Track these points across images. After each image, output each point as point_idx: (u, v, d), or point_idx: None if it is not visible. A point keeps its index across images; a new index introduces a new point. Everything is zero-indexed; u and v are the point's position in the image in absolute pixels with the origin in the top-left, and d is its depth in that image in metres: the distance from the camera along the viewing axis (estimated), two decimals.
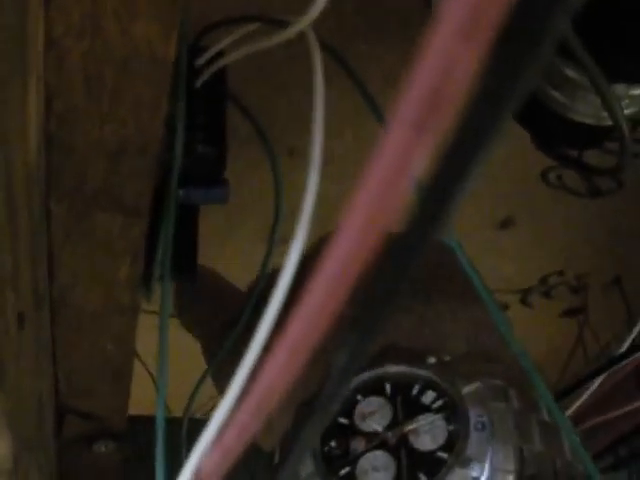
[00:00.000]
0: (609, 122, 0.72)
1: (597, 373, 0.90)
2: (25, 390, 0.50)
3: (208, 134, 0.50)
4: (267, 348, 0.29)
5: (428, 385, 0.52)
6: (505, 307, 1.08)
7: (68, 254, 0.53)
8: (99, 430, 0.70)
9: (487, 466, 0.49)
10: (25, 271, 0.46)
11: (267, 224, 0.87)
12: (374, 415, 0.53)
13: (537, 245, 1.01)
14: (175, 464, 0.41)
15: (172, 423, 0.53)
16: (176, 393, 0.71)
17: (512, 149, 0.88)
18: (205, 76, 0.50)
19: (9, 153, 0.39)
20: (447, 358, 0.52)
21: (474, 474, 0.48)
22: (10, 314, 0.41)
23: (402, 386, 0.53)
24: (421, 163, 0.19)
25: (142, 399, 0.83)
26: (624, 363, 0.87)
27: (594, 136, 0.76)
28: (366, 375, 0.54)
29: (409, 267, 0.22)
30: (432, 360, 0.52)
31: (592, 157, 0.80)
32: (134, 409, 0.85)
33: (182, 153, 0.47)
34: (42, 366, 0.57)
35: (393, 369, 0.54)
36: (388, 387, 0.53)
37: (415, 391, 0.52)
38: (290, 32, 0.43)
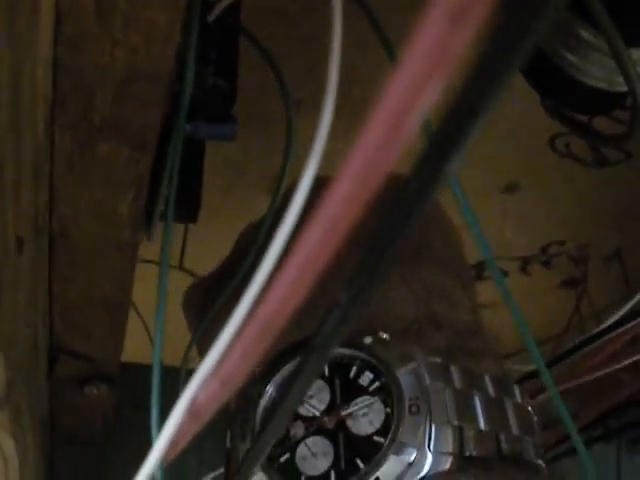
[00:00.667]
0: (622, 88, 0.71)
1: (590, 341, 0.90)
2: (21, 318, 0.50)
3: (220, 68, 0.50)
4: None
5: (365, 366, 0.50)
6: (505, 274, 1.07)
7: (70, 185, 0.52)
8: (92, 372, 0.70)
9: (424, 451, 0.47)
10: (26, 195, 0.45)
11: (272, 176, 0.87)
12: (313, 399, 0.51)
13: (540, 213, 1.00)
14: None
15: (167, 373, 0.52)
16: (172, 345, 0.70)
17: (521, 114, 0.87)
18: (218, 10, 0.49)
19: (17, 72, 0.38)
20: (384, 336, 0.50)
21: (409, 459, 0.47)
22: (10, 235, 0.41)
23: (340, 368, 0.50)
24: (431, 100, 0.19)
25: (137, 350, 0.82)
26: (618, 332, 0.86)
27: (605, 101, 0.75)
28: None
29: (413, 214, 0.21)
30: (368, 340, 0.50)
31: (601, 126, 0.79)
32: (129, 359, 0.84)
33: (192, 85, 0.46)
34: (38, 299, 0.56)
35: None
36: (326, 369, 0.51)
37: (352, 373, 0.50)
38: None
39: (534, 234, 1.04)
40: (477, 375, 0.49)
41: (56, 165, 0.50)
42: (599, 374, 0.89)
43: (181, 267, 0.67)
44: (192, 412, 0.34)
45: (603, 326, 0.88)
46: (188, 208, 0.56)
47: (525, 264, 1.06)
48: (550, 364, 0.91)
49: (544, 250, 1.05)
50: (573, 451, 1.02)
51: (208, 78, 0.49)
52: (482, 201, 0.97)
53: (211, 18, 0.49)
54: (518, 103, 0.79)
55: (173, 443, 0.34)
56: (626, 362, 0.86)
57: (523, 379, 0.88)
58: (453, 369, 0.48)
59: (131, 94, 0.46)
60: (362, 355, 0.49)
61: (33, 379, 0.60)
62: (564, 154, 0.88)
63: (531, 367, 0.92)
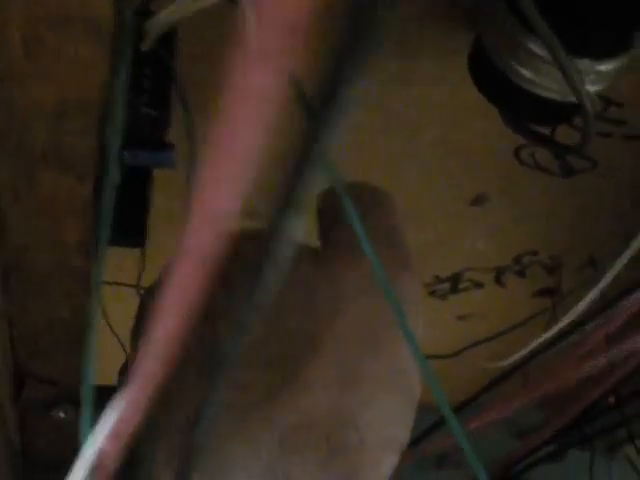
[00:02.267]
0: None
1: (562, 338, 0.90)
2: None
3: (153, 97, 0.51)
4: None
5: None
6: (479, 285, 1.08)
7: (17, 215, 0.53)
8: (59, 395, 0.71)
9: None
10: None
11: None
12: None
13: (511, 223, 1.01)
14: None
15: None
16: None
17: (485, 126, 0.88)
18: (152, 39, 0.50)
19: None
20: None
21: None
22: None
23: None
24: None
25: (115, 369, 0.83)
26: (592, 325, 0.86)
27: (561, 112, 0.76)
28: None
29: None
30: None
31: (563, 135, 0.80)
32: (105, 379, 0.85)
33: (126, 114, 0.47)
34: None
35: None
36: None
37: None
38: None
39: (506, 245, 1.05)
40: None
41: (2, 196, 0.52)
42: (574, 377, 0.89)
43: (137, 287, 0.68)
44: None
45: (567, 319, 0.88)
46: (134, 233, 0.57)
47: (499, 275, 1.07)
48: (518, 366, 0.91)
49: (517, 260, 1.06)
50: (546, 459, 1.03)
51: (141, 107, 0.50)
52: (452, 214, 0.98)
53: (145, 47, 0.50)
54: (481, 116, 0.80)
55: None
56: (599, 363, 0.86)
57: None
58: None
59: (65, 125, 0.47)
60: None
61: None
62: (530, 165, 0.89)
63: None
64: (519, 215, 1.00)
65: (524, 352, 0.89)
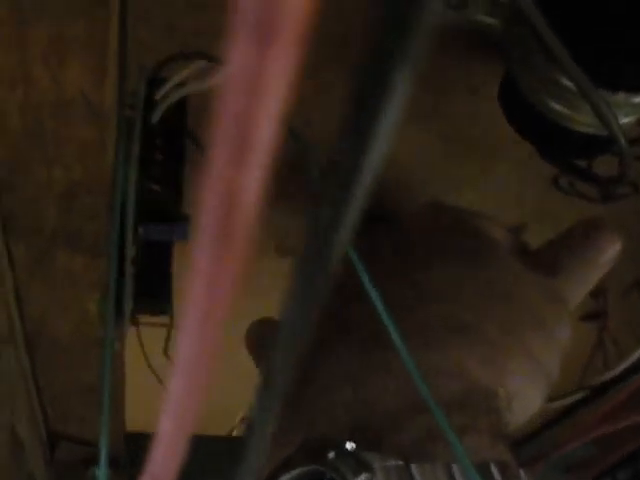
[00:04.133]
0: None
1: (614, 383, 0.89)
2: None
3: (164, 171, 0.50)
4: None
5: None
6: None
7: (34, 291, 0.53)
8: (92, 455, 0.70)
9: None
10: None
11: None
12: None
13: None
14: None
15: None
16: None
17: (522, 155, 0.86)
18: (163, 109, 0.49)
19: None
20: (349, 447, 0.48)
21: None
22: None
23: None
24: None
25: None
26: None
27: (596, 146, 0.74)
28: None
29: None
30: (332, 455, 0.48)
31: (603, 163, 0.78)
32: (147, 425, 0.85)
33: (137, 191, 0.47)
34: (17, 404, 0.57)
35: (299, 470, 0.50)
36: None
37: None
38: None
39: None
40: (448, 465, 0.48)
41: (17, 273, 0.51)
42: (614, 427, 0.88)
43: (165, 353, 0.67)
44: None
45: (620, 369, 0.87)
46: (157, 301, 0.56)
47: None
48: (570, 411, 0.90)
49: None
50: None
51: (153, 183, 0.49)
52: None
53: (156, 117, 0.50)
54: (517, 146, 0.79)
55: None
56: None
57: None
58: (415, 469, 0.46)
59: (75, 206, 0.46)
60: (325, 470, 0.48)
61: (18, 472, 0.60)
62: (569, 192, 0.87)
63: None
64: None
65: (573, 398, 0.87)
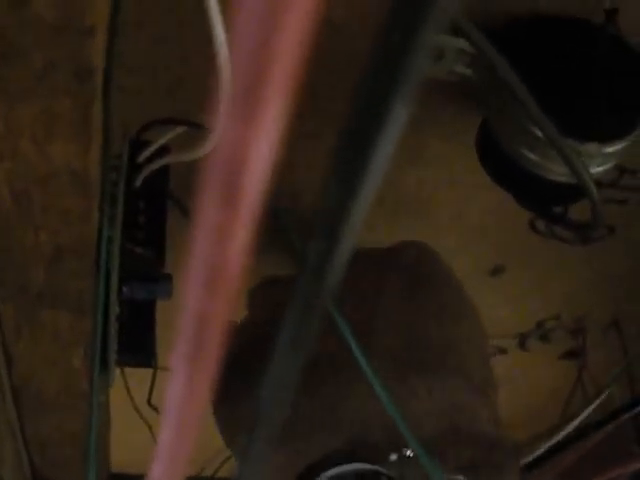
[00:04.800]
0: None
1: (596, 427, 0.90)
2: None
3: (147, 234, 0.51)
4: None
5: None
6: (503, 351, 1.07)
7: (21, 347, 0.54)
8: None
9: None
10: None
11: None
12: None
13: (531, 290, 1.00)
14: None
15: None
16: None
17: (500, 199, 0.88)
18: (146, 173, 0.51)
19: None
20: (409, 453, 0.51)
21: None
22: None
23: None
24: None
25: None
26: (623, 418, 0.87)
27: (570, 193, 0.75)
28: (334, 471, 0.53)
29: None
30: (394, 457, 0.51)
31: (580, 205, 0.80)
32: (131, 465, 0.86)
33: (120, 254, 0.48)
34: (3, 452, 0.58)
35: (358, 466, 0.52)
36: None
37: None
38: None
39: (528, 311, 1.04)
40: None
41: (6, 332, 0.52)
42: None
43: (149, 403, 0.68)
44: None
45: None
46: (142, 354, 0.57)
47: (523, 340, 1.07)
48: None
49: (540, 325, 1.05)
50: None
51: (136, 244, 0.50)
52: (471, 284, 0.98)
53: (140, 180, 0.51)
54: (495, 191, 0.80)
55: None
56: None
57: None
58: None
59: (61, 268, 0.48)
60: (388, 472, 0.50)
61: None
62: (546, 235, 0.89)
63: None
64: (539, 282, 1.00)
65: (548, 445, 0.89)
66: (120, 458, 0.85)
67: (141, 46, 0.65)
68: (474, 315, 0.66)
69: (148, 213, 0.52)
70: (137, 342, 0.56)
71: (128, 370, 0.66)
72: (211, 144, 0.45)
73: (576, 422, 0.93)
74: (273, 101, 0.15)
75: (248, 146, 0.16)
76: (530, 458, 0.94)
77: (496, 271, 0.97)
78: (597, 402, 0.95)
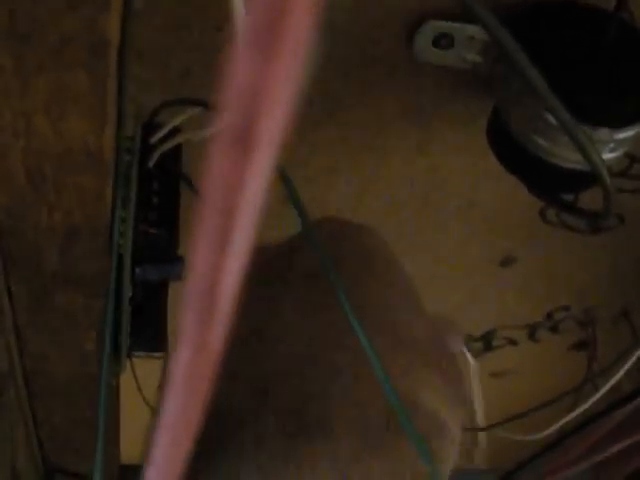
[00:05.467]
0: None
1: (605, 413, 0.90)
2: None
3: (160, 215, 0.51)
4: None
5: None
6: (513, 343, 1.07)
7: (34, 330, 0.54)
8: None
9: None
10: None
11: None
12: None
13: (541, 280, 1.00)
14: None
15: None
16: None
17: (510, 188, 0.88)
18: (159, 154, 0.51)
19: None
20: None
21: None
22: None
23: None
24: None
25: None
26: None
27: (582, 180, 0.75)
28: None
29: None
30: None
31: (591, 194, 0.80)
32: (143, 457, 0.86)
33: (134, 235, 0.48)
34: (15, 436, 0.58)
35: None
36: None
37: None
38: None
39: (538, 302, 1.04)
40: None
41: (18, 314, 0.52)
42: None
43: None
44: None
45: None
46: (152, 338, 0.57)
47: (533, 331, 1.06)
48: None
49: (549, 316, 1.05)
50: None
51: (150, 227, 0.50)
52: (481, 276, 0.98)
53: (153, 161, 0.51)
54: (505, 180, 0.80)
55: None
56: None
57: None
58: None
59: (75, 249, 0.48)
60: None
61: None
62: (556, 224, 0.88)
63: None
64: (549, 272, 1.00)
65: (558, 425, 0.88)
66: (130, 450, 0.85)
67: (152, 31, 0.65)
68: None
69: (161, 194, 0.52)
70: (148, 326, 0.56)
71: (137, 361, 0.66)
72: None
73: (586, 405, 0.93)
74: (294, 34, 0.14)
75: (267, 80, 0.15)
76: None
77: (506, 261, 0.97)
78: (604, 390, 0.94)
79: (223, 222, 0.16)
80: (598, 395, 0.86)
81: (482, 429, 1.05)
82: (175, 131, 0.51)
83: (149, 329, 0.56)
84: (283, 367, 0.48)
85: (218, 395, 0.22)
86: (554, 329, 1.06)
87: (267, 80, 0.13)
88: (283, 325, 0.50)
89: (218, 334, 0.18)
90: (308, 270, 0.51)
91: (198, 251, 0.16)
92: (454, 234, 0.91)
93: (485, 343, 1.06)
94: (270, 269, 0.53)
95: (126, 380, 0.68)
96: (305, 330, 0.50)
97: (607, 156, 0.73)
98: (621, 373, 0.85)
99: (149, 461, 0.27)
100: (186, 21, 0.65)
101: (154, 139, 0.51)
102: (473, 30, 0.72)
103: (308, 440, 0.46)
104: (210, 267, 0.17)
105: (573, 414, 0.92)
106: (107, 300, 0.50)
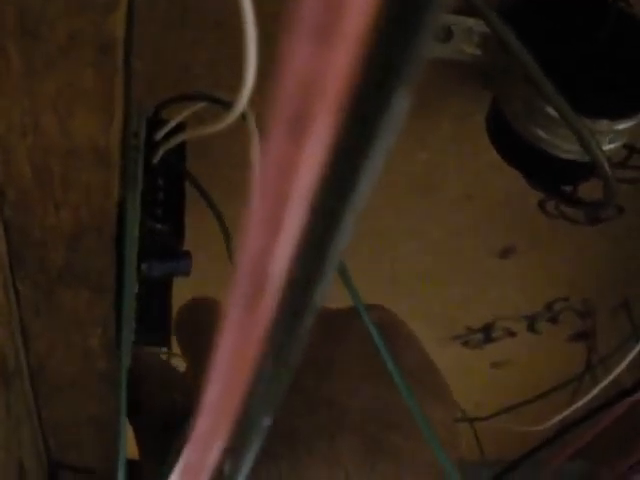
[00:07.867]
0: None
1: (606, 406, 0.90)
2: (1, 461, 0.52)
3: (165, 211, 0.51)
4: None
5: None
6: (512, 334, 1.08)
7: (39, 327, 0.54)
8: None
9: None
10: None
11: None
12: None
13: (540, 272, 1.00)
14: None
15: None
16: None
17: (509, 180, 0.88)
18: (164, 150, 0.51)
19: None
20: None
21: None
22: None
23: None
24: None
25: None
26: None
27: (581, 171, 0.76)
28: None
29: None
30: None
31: (589, 185, 0.80)
32: None
33: (140, 231, 0.48)
34: (22, 433, 0.58)
35: None
36: None
37: None
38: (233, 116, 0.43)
39: (537, 293, 1.04)
40: None
41: (23, 311, 0.52)
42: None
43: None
44: None
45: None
46: (156, 333, 0.57)
47: (532, 322, 1.07)
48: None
49: (549, 307, 1.06)
50: None
51: (155, 223, 0.50)
52: (480, 266, 0.98)
53: (157, 157, 0.51)
54: (504, 172, 0.80)
55: None
56: None
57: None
58: None
59: (81, 245, 0.48)
60: None
61: None
62: (555, 216, 0.89)
63: None
64: (548, 263, 1.00)
65: (560, 417, 0.89)
66: (133, 445, 0.85)
67: (153, 29, 0.65)
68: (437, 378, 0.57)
69: (167, 190, 0.52)
70: (153, 321, 0.56)
71: None
72: (229, 117, 0.45)
73: (587, 397, 0.93)
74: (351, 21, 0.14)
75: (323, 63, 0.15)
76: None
77: (505, 253, 0.97)
78: (605, 382, 0.94)
79: (276, 207, 0.16)
80: (599, 387, 0.86)
81: (482, 419, 1.05)
82: (179, 127, 0.51)
83: (154, 325, 0.57)
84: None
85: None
86: (553, 320, 1.07)
87: (324, 67, 0.13)
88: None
89: (264, 320, 0.18)
90: (365, 336, 0.51)
91: (250, 234, 0.16)
92: (453, 226, 0.92)
93: (485, 334, 1.06)
94: (331, 320, 0.54)
95: None
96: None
97: (607, 147, 0.73)
98: (622, 367, 0.86)
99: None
100: (187, 16, 0.65)
101: (158, 135, 0.51)
102: (472, 22, 0.72)
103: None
104: (261, 251, 0.17)
105: (573, 407, 0.92)
106: (116, 296, 0.51)
